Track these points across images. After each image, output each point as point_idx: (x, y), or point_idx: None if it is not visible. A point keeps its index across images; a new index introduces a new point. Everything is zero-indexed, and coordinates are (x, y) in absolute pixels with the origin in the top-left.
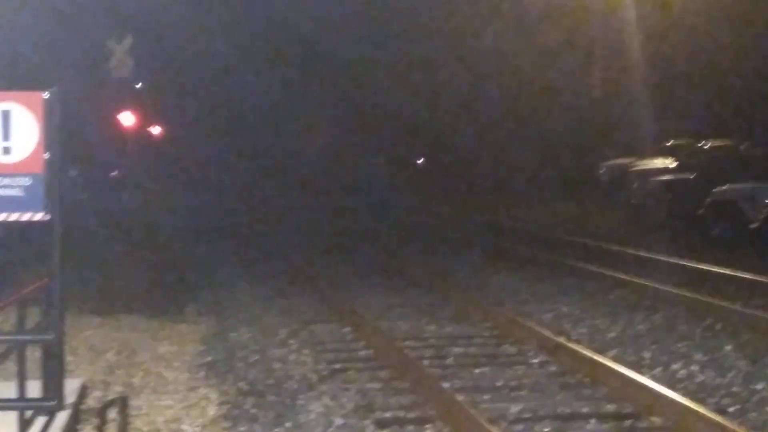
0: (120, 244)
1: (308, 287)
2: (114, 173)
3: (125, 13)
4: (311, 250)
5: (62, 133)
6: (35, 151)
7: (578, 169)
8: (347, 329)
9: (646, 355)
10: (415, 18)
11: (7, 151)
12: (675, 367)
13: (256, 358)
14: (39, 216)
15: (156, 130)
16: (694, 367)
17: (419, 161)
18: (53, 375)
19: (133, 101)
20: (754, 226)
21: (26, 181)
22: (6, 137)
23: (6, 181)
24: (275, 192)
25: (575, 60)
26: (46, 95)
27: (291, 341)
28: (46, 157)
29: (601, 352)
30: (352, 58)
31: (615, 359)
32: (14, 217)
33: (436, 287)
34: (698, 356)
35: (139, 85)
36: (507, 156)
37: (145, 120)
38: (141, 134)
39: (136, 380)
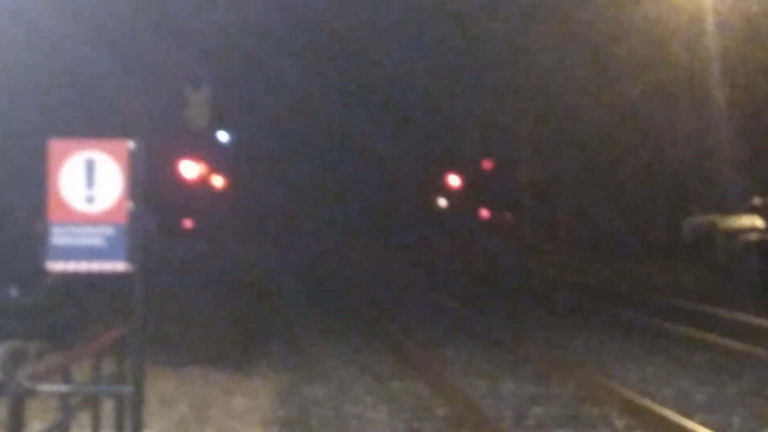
0: (192, 295)
1: (385, 344)
2: (187, 223)
3: (204, 62)
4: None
5: (145, 183)
6: (119, 201)
7: (662, 227)
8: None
9: (735, 420)
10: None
11: (90, 200)
12: None
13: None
14: (120, 266)
15: (230, 180)
16: None
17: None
18: (128, 427)
19: (210, 151)
20: None
21: (109, 231)
22: (90, 186)
23: (89, 230)
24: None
25: (656, 114)
26: (131, 144)
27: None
28: (130, 207)
29: (687, 415)
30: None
31: (703, 423)
32: (96, 266)
33: (520, 347)
34: None
35: (222, 137)
36: (590, 214)
37: (222, 171)
38: (218, 186)
39: None
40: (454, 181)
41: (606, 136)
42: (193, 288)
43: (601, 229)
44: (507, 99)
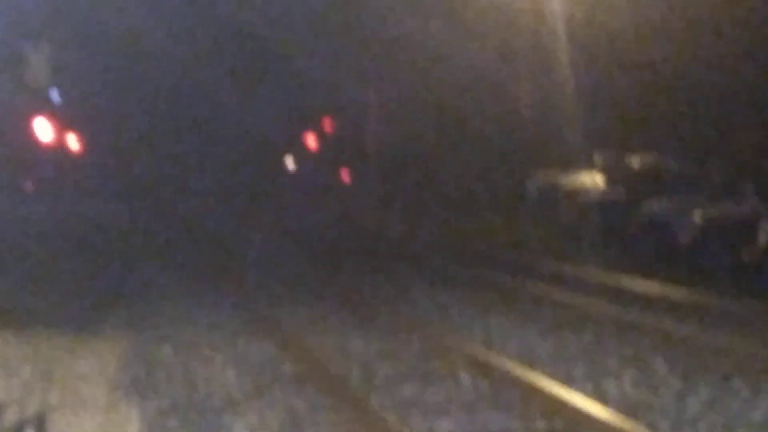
0: (31, 257)
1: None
2: (26, 183)
3: (44, 19)
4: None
5: None
6: None
7: (510, 185)
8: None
9: (577, 372)
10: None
11: None
12: (606, 384)
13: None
14: None
15: (74, 141)
16: (626, 385)
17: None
18: None
19: (49, 110)
20: (683, 241)
21: None
22: None
23: None
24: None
25: (504, 69)
26: None
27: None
28: None
29: (531, 368)
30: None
31: (546, 375)
32: None
33: (367, 304)
34: (629, 373)
35: (56, 96)
36: (436, 172)
37: (62, 131)
38: (57, 146)
39: (54, 398)
40: (309, 141)
41: (455, 98)
42: (37, 250)
43: (450, 188)
44: (354, 61)
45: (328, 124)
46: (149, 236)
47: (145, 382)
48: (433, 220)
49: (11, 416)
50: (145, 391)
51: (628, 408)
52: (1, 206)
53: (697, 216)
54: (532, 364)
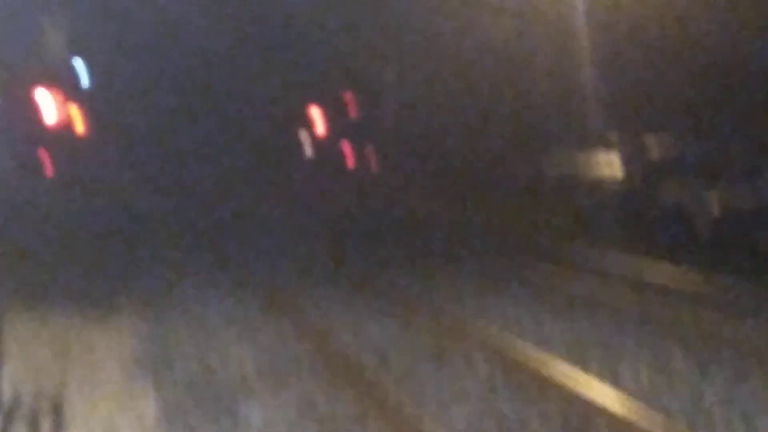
0: (49, 238)
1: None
2: (49, 166)
3: None
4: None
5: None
6: None
7: (528, 165)
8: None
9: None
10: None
11: None
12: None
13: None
14: None
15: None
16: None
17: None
18: None
19: (68, 86)
20: (701, 227)
21: None
22: None
23: None
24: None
25: (523, 49)
26: None
27: None
28: None
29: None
30: None
31: (561, 357)
32: None
33: (381, 287)
34: (646, 359)
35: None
36: (451, 151)
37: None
38: (77, 125)
39: (70, 375)
40: (319, 117)
41: (471, 79)
42: (55, 231)
43: (467, 171)
44: (372, 40)
45: (345, 105)
46: (167, 217)
47: (162, 361)
48: (449, 203)
49: (28, 394)
50: (161, 370)
51: (643, 395)
52: (16, 185)
53: (716, 201)
54: (548, 350)
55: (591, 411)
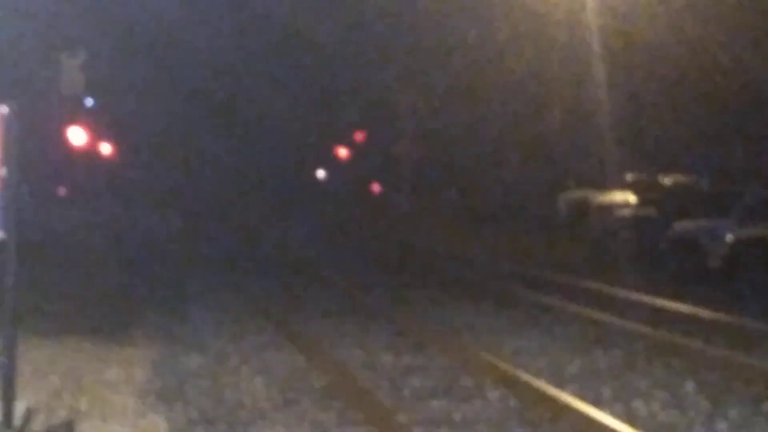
0: (68, 263)
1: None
2: (61, 190)
3: (79, 28)
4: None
5: (19, 150)
6: None
7: (541, 201)
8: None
9: (606, 391)
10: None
11: None
12: (635, 404)
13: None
14: None
15: (107, 147)
16: (655, 406)
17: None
18: (0, 398)
19: (83, 118)
20: (714, 262)
21: None
22: None
23: None
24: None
25: (537, 91)
26: (4, 109)
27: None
28: (3, 174)
29: (559, 386)
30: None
31: (574, 394)
32: None
33: (396, 318)
34: (659, 394)
35: (90, 102)
36: (468, 187)
37: (96, 137)
38: (90, 151)
39: (83, 405)
40: (339, 152)
41: (489, 112)
42: (68, 257)
43: (482, 203)
44: (389, 72)
45: (359, 136)
46: (182, 241)
47: (174, 390)
48: (463, 235)
49: (41, 422)
50: (173, 399)
51: (657, 429)
52: (35, 211)
53: (728, 236)
54: (561, 382)
55: None
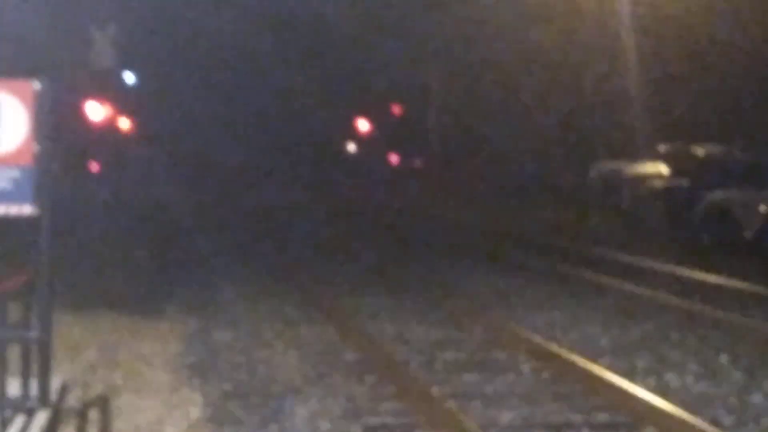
0: (98, 240)
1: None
2: (93, 166)
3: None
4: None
5: (52, 125)
6: (25, 143)
7: (572, 172)
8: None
9: (639, 363)
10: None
11: None
12: (668, 377)
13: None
14: (27, 210)
15: (140, 123)
16: (689, 378)
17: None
18: (35, 373)
19: (113, 92)
20: (748, 233)
21: (15, 174)
22: None
23: None
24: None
25: (567, 62)
26: (36, 85)
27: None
28: (37, 150)
29: (593, 359)
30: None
31: (608, 367)
32: (1, 209)
33: (427, 291)
34: (692, 366)
35: (126, 77)
36: (499, 159)
37: (130, 112)
38: (124, 127)
39: (118, 380)
40: (363, 125)
41: (518, 84)
42: (101, 231)
43: (513, 176)
44: (418, 47)
45: (391, 110)
46: (211, 219)
47: (208, 365)
48: (495, 207)
49: (76, 397)
50: (207, 374)
51: (691, 401)
52: (67, 188)
53: (762, 207)
54: (593, 354)
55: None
